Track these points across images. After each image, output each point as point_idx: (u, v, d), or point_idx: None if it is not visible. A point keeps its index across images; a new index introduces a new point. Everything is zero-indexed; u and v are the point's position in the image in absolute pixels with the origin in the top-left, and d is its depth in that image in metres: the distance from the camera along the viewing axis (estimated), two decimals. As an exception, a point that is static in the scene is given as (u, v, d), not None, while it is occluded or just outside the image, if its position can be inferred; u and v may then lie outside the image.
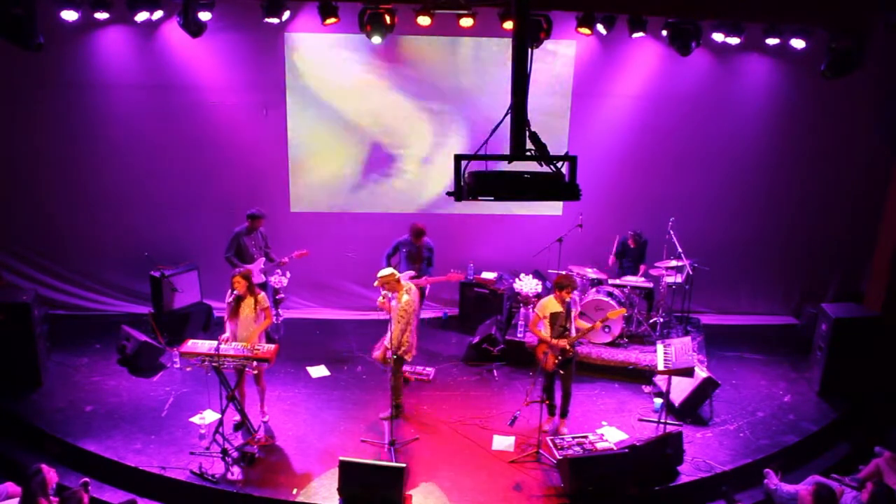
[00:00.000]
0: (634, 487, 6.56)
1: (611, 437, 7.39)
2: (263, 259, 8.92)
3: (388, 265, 8.50)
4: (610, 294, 8.80)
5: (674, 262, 8.94)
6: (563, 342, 7.00)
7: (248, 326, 7.07)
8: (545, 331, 7.14)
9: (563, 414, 7.49)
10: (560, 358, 6.98)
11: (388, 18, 8.09)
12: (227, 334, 6.97)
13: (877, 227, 9.14)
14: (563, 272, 7.59)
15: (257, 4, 8.17)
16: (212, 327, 9.34)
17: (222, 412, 6.84)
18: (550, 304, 7.16)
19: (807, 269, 10.31)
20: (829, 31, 7.92)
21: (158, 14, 8.28)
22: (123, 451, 6.90)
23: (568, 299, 7.03)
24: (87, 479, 6.21)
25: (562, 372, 7.07)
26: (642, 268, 9.41)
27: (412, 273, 8.54)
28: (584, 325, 7.22)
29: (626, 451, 6.61)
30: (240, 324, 7.07)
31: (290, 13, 8.63)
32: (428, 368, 8.69)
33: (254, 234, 8.85)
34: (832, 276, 10.25)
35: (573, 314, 7.09)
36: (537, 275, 9.36)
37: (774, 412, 7.99)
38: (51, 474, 5.72)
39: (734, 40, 8.61)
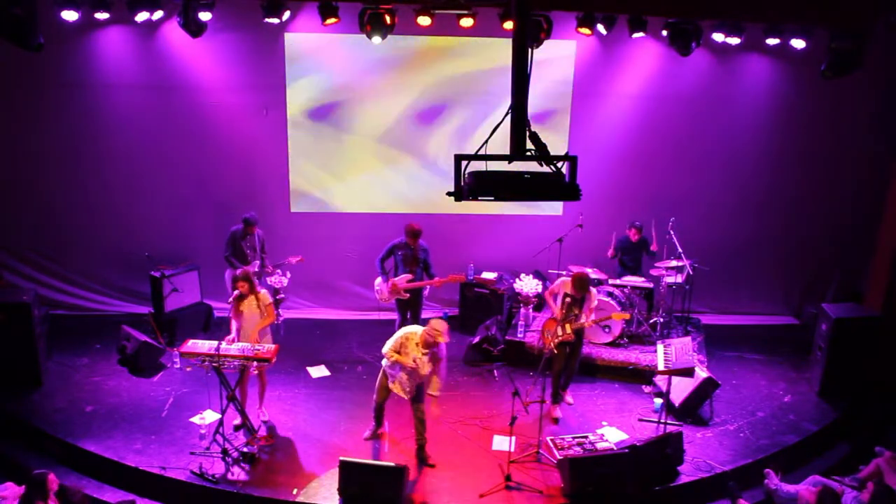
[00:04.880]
0: (634, 487, 6.56)
1: (611, 437, 7.39)
2: (258, 263, 8.92)
3: (382, 269, 8.46)
4: (610, 294, 8.80)
5: (674, 262, 8.94)
6: (564, 323, 7.34)
7: (253, 325, 7.10)
8: (557, 307, 7.49)
9: (564, 387, 7.87)
10: (560, 337, 7.29)
11: (388, 18, 8.08)
12: (232, 334, 6.99)
13: (877, 227, 9.14)
14: (582, 273, 7.61)
15: (257, 4, 8.17)
16: (212, 327, 9.35)
17: (222, 412, 6.84)
18: (567, 287, 7.47)
19: (807, 269, 10.32)
20: (829, 31, 7.92)
21: (158, 14, 8.28)
22: (123, 451, 6.90)
23: (576, 296, 7.36)
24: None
25: (556, 352, 7.38)
26: (651, 250, 9.41)
27: (409, 276, 8.52)
28: (587, 322, 7.48)
29: (627, 451, 6.61)
30: (244, 322, 7.10)
31: (290, 13, 8.61)
32: (428, 368, 8.68)
33: (249, 237, 8.87)
34: (832, 276, 10.25)
35: (587, 305, 7.41)
36: (537, 275, 9.36)
37: (774, 412, 7.99)
38: (54, 483, 5.69)
39: (734, 40, 8.61)
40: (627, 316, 8.24)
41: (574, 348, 7.63)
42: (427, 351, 6.54)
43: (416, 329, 6.68)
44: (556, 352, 7.39)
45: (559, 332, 7.40)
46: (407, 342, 6.60)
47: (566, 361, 7.63)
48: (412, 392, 6.71)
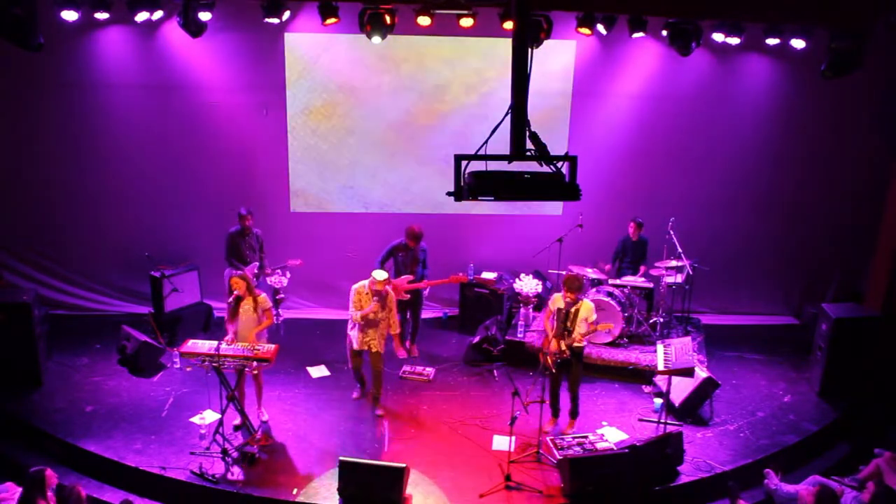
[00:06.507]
0: (634, 487, 6.56)
1: (611, 437, 7.39)
2: (256, 264, 8.92)
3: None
4: (610, 294, 8.80)
5: (674, 263, 8.93)
6: (558, 340, 7.07)
7: (249, 327, 7.07)
8: (551, 325, 7.23)
9: (573, 415, 7.55)
10: (557, 356, 7.03)
11: (388, 18, 8.09)
12: (229, 336, 6.98)
13: (877, 227, 9.14)
14: (573, 273, 7.57)
15: (257, 4, 8.17)
16: (212, 327, 9.35)
17: (222, 412, 6.84)
18: (559, 301, 7.24)
19: (807, 269, 10.31)
20: (829, 31, 7.92)
21: (158, 14, 8.28)
22: (123, 451, 6.91)
23: (568, 299, 7.06)
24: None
25: (554, 371, 7.12)
26: (642, 269, 9.41)
27: (410, 277, 8.53)
28: (580, 337, 7.17)
29: (627, 451, 6.61)
30: (240, 325, 7.08)
31: (290, 13, 8.61)
32: (428, 368, 8.70)
33: (248, 236, 8.87)
34: (832, 276, 10.25)
35: (580, 317, 7.11)
36: (537, 275, 9.36)
37: (774, 412, 7.99)
38: (52, 479, 5.71)
39: (734, 40, 8.61)
40: (611, 326, 8.02)
41: (574, 363, 7.28)
42: (376, 297, 7.34)
43: (362, 283, 7.43)
44: (554, 371, 7.14)
45: (553, 349, 7.10)
46: (359, 295, 7.41)
47: (570, 373, 7.34)
48: (378, 341, 7.47)
